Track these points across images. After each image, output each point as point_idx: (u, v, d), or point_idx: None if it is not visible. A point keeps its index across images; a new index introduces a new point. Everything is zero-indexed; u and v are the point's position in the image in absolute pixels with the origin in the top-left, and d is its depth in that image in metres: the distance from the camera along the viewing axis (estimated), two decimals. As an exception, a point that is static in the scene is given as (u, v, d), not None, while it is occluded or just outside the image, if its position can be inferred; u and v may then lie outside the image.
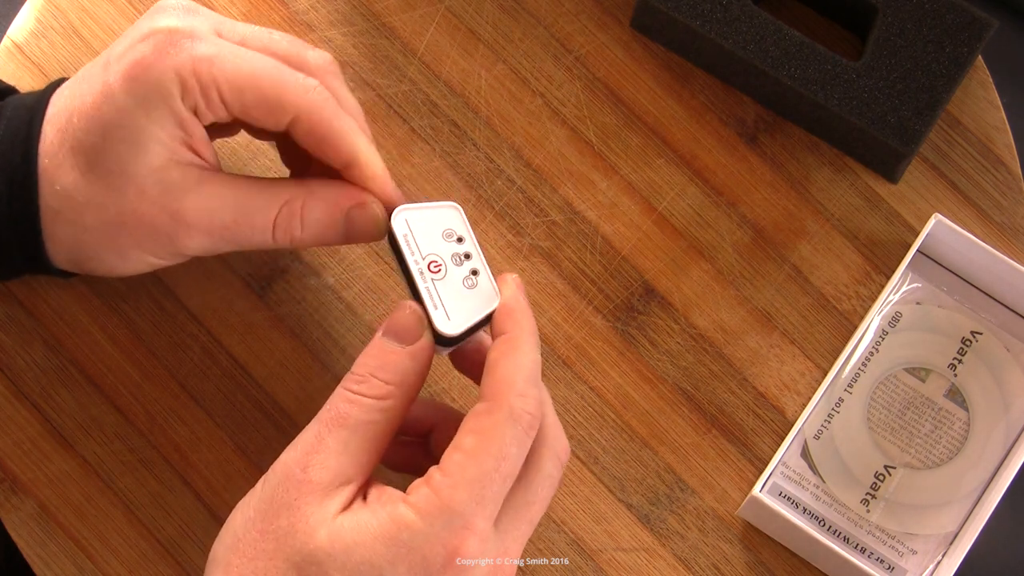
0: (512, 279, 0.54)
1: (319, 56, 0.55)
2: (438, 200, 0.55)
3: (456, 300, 0.53)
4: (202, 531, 0.59)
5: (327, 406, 0.50)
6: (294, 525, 0.48)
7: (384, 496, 0.49)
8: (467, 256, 0.53)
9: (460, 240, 0.53)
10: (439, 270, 0.53)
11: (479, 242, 0.54)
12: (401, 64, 0.65)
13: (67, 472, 0.60)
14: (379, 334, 0.52)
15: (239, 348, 0.61)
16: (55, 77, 0.64)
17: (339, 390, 0.51)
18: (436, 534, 0.48)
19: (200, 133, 0.54)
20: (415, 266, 0.53)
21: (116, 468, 0.60)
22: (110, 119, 0.52)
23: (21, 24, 0.64)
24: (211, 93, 0.52)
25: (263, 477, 0.50)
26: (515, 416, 0.50)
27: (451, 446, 0.50)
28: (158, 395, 0.61)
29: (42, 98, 0.55)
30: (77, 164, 0.53)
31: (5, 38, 0.64)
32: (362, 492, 0.50)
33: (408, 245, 0.53)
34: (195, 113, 0.53)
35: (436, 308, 0.53)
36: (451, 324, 0.53)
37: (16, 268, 0.56)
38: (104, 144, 0.52)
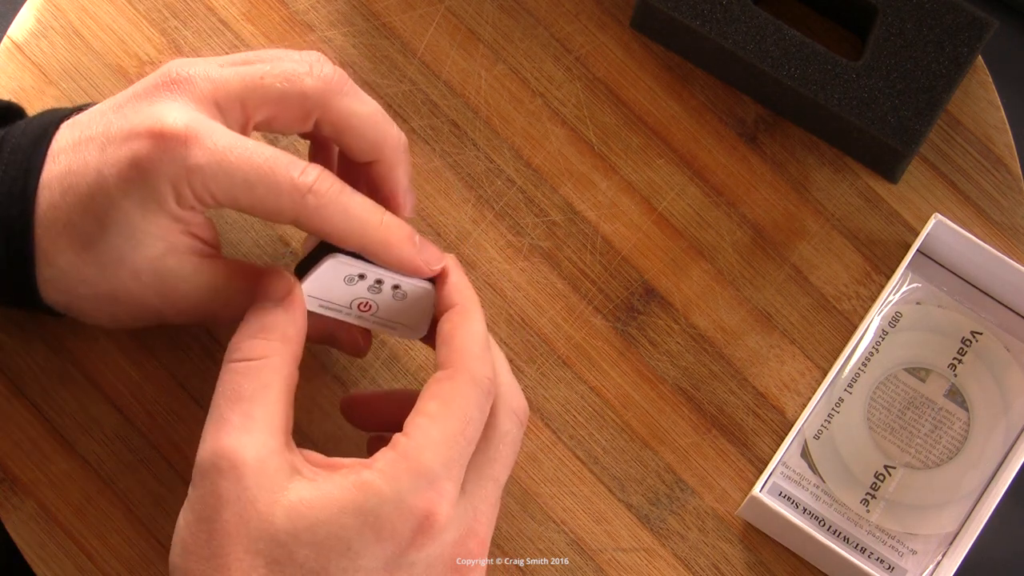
0: (453, 261, 0.54)
1: (317, 79, 0.53)
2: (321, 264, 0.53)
3: (402, 313, 0.54)
4: (202, 531, 0.59)
5: (217, 388, 0.50)
6: (243, 514, 0.47)
7: (346, 465, 0.49)
8: (379, 282, 0.53)
9: (362, 276, 0.53)
10: (369, 306, 0.54)
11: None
12: (401, 64, 0.65)
13: (67, 472, 0.60)
14: (257, 303, 0.52)
15: (239, 348, 0.61)
16: (55, 77, 0.64)
17: (223, 366, 0.50)
18: (404, 498, 0.47)
19: (199, 220, 0.53)
20: (349, 317, 0.54)
21: (116, 468, 0.60)
22: (105, 211, 0.51)
23: (21, 24, 0.64)
24: (206, 199, 0.51)
25: (191, 481, 0.49)
26: (476, 380, 0.50)
27: (414, 412, 0.50)
28: (158, 395, 0.61)
29: (39, 143, 0.53)
30: (71, 244, 0.52)
31: (5, 38, 0.64)
32: (299, 454, 0.49)
33: (331, 310, 0.54)
34: (193, 209, 0.52)
35: (395, 328, 0.54)
36: (417, 331, 0.55)
37: (10, 306, 0.56)
38: (100, 233, 0.52)
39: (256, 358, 0.50)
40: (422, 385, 0.61)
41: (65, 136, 0.53)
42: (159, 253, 0.52)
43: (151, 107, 0.52)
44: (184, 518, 0.49)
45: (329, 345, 0.58)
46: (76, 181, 0.52)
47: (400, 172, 0.55)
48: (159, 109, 0.52)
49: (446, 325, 0.52)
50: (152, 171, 0.51)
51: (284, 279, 0.52)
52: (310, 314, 0.54)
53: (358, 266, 0.53)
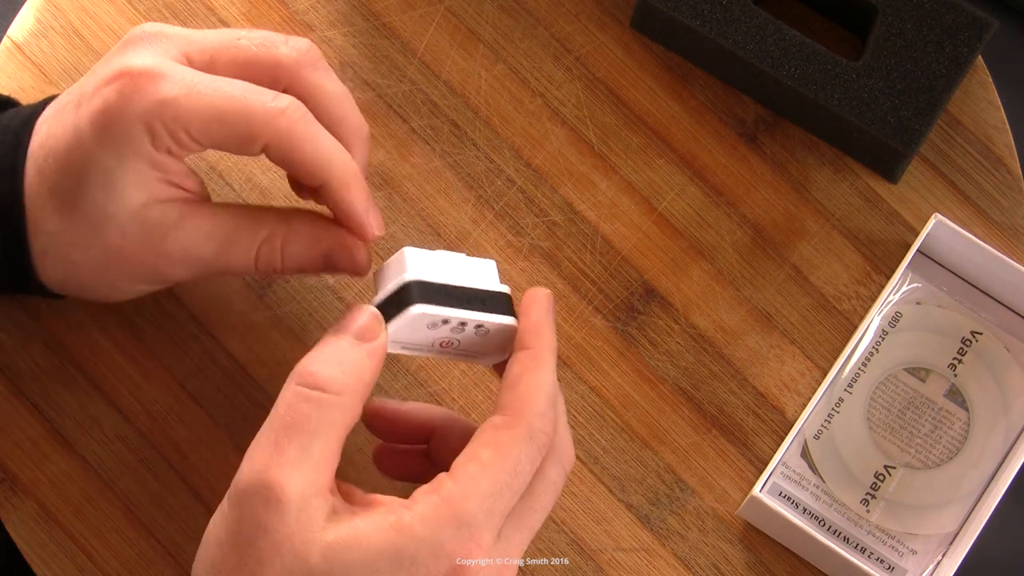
0: (543, 297, 0.53)
1: (292, 49, 0.54)
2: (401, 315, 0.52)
3: (482, 346, 0.53)
4: (202, 531, 0.59)
5: (280, 409, 0.48)
6: (278, 546, 0.46)
7: (384, 503, 0.48)
8: (463, 324, 0.52)
9: (445, 321, 0.52)
10: (451, 343, 0.53)
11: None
12: (401, 64, 0.65)
13: (67, 472, 0.60)
14: (332, 333, 0.50)
15: (239, 348, 0.61)
16: (55, 77, 0.64)
17: (292, 388, 0.48)
18: (441, 545, 0.47)
19: (178, 168, 0.53)
20: (429, 354, 0.53)
21: (116, 468, 0.60)
22: (83, 165, 0.52)
23: (21, 24, 0.64)
24: (180, 135, 0.51)
25: (227, 495, 0.48)
26: (533, 434, 0.50)
27: (465, 456, 0.49)
28: (158, 395, 0.61)
29: (28, 122, 0.54)
30: (58, 208, 0.52)
31: (5, 38, 0.64)
32: (340, 496, 0.49)
33: (411, 350, 0.53)
34: (170, 152, 0.52)
35: (474, 358, 0.54)
36: (494, 359, 0.54)
37: (7, 291, 0.56)
38: (80, 189, 0.52)
39: (330, 392, 0.48)
40: (421, 386, 0.61)
41: (49, 108, 0.54)
42: (140, 204, 0.52)
43: (122, 57, 0.52)
44: (215, 534, 0.48)
45: (326, 272, 0.56)
46: (55, 144, 0.52)
47: (356, 157, 0.55)
48: (128, 56, 0.52)
49: (515, 367, 0.51)
50: (122, 112, 0.51)
51: (373, 321, 0.51)
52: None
53: (444, 313, 0.51)
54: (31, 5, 0.65)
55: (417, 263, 0.52)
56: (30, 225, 0.53)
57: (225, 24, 0.65)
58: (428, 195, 0.64)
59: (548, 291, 0.53)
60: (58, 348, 0.61)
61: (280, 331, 0.62)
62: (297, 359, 0.61)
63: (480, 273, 0.53)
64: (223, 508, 0.48)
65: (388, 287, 0.52)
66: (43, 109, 0.54)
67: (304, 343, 0.61)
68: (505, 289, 0.53)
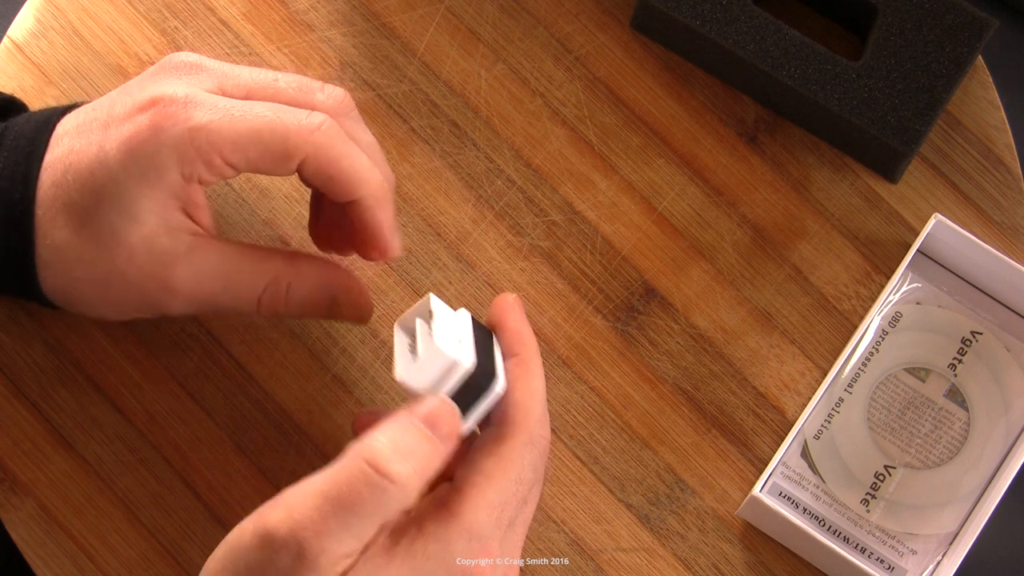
0: (513, 303, 0.53)
1: (328, 96, 0.54)
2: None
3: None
4: (202, 531, 0.59)
5: (339, 477, 0.47)
6: None
7: (396, 534, 0.48)
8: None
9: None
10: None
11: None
12: (401, 64, 0.65)
13: (67, 472, 0.60)
14: (413, 418, 0.49)
15: (239, 348, 0.61)
16: (55, 77, 0.64)
17: (358, 463, 0.47)
18: (453, 559, 0.48)
19: (199, 200, 0.53)
20: None
21: (116, 468, 0.60)
22: (103, 185, 0.52)
23: (21, 24, 0.64)
24: (213, 159, 0.51)
25: (257, 527, 0.47)
26: (534, 440, 0.50)
27: (469, 468, 0.49)
28: (158, 395, 0.61)
29: (42, 130, 0.54)
30: (69, 222, 0.52)
31: (5, 38, 0.64)
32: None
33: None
34: (199, 181, 0.52)
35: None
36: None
37: (8, 295, 0.56)
38: (97, 208, 0.52)
39: (396, 484, 0.47)
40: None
41: (70, 121, 0.54)
42: (153, 229, 0.52)
43: (156, 85, 0.53)
44: (231, 564, 0.47)
45: (328, 318, 0.57)
46: (78, 159, 0.52)
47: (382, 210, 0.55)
48: (162, 84, 0.53)
49: (507, 377, 0.52)
50: (152, 141, 0.51)
51: (456, 421, 0.50)
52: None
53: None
54: (31, 5, 0.65)
55: (455, 349, 0.50)
56: (38, 234, 0.53)
57: (225, 24, 0.65)
58: (428, 195, 0.64)
59: (515, 295, 0.54)
60: (58, 348, 0.61)
61: (280, 331, 0.62)
62: (297, 359, 0.61)
63: (448, 315, 0.52)
64: (249, 538, 0.47)
65: (453, 380, 0.50)
66: (57, 118, 0.54)
67: (304, 343, 0.61)
68: (465, 312, 0.53)
